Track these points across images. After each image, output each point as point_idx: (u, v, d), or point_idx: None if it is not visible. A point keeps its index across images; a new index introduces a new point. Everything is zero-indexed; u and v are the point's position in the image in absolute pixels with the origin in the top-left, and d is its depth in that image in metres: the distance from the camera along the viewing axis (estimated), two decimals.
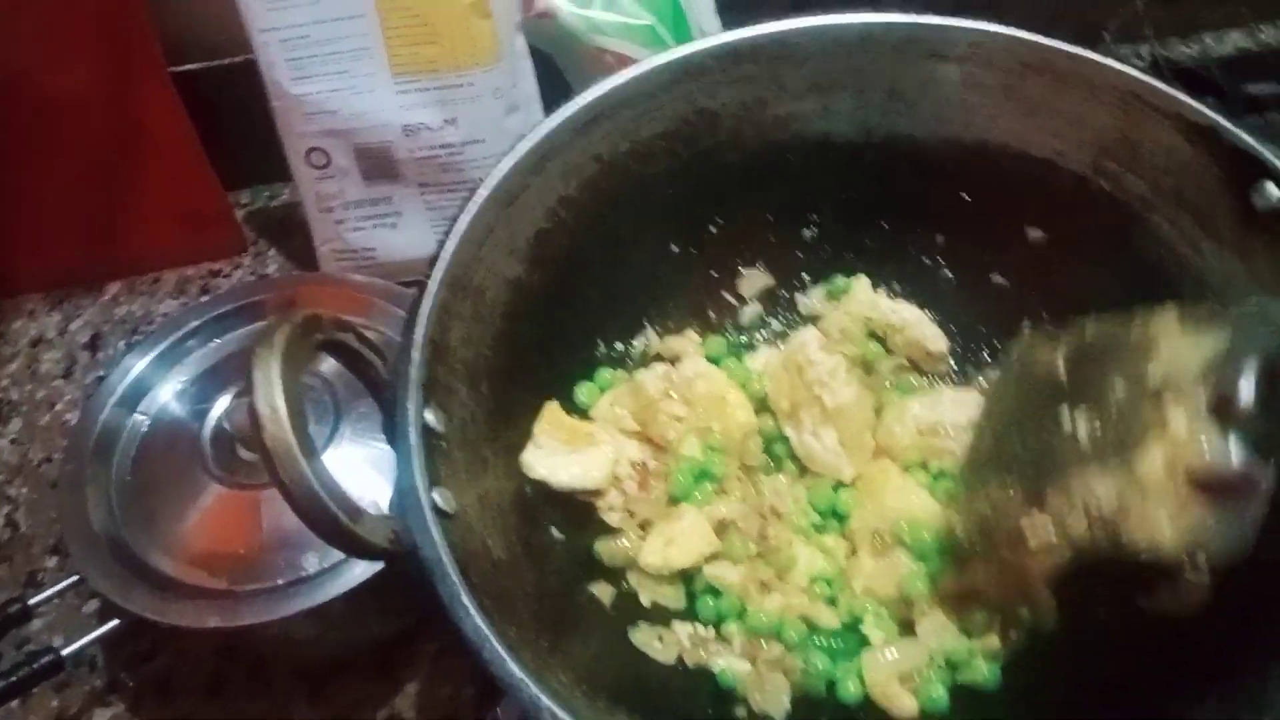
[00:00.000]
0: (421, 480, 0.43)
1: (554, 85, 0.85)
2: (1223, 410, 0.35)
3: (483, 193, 0.52)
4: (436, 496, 0.43)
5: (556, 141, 0.55)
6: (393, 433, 0.44)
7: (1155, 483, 0.37)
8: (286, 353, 0.38)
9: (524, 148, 0.54)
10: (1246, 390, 0.34)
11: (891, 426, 0.58)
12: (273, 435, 0.36)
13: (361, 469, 0.64)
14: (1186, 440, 0.35)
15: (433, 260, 0.49)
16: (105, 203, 0.90)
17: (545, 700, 0.38)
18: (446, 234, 0.50)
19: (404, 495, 0.42)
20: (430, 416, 0.46)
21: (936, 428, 0.58)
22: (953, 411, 0.58)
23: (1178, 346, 0.38)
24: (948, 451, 0.57)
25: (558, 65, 0.89)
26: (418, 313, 0.47)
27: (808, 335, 0.59)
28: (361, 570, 0.60)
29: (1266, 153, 0.50)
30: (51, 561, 0.78)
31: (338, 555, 0.62)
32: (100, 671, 0.72)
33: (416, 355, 0.46)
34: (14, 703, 0.70)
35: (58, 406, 0.86)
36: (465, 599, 0.40)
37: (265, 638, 0.68)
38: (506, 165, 0.53)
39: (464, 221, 0.51)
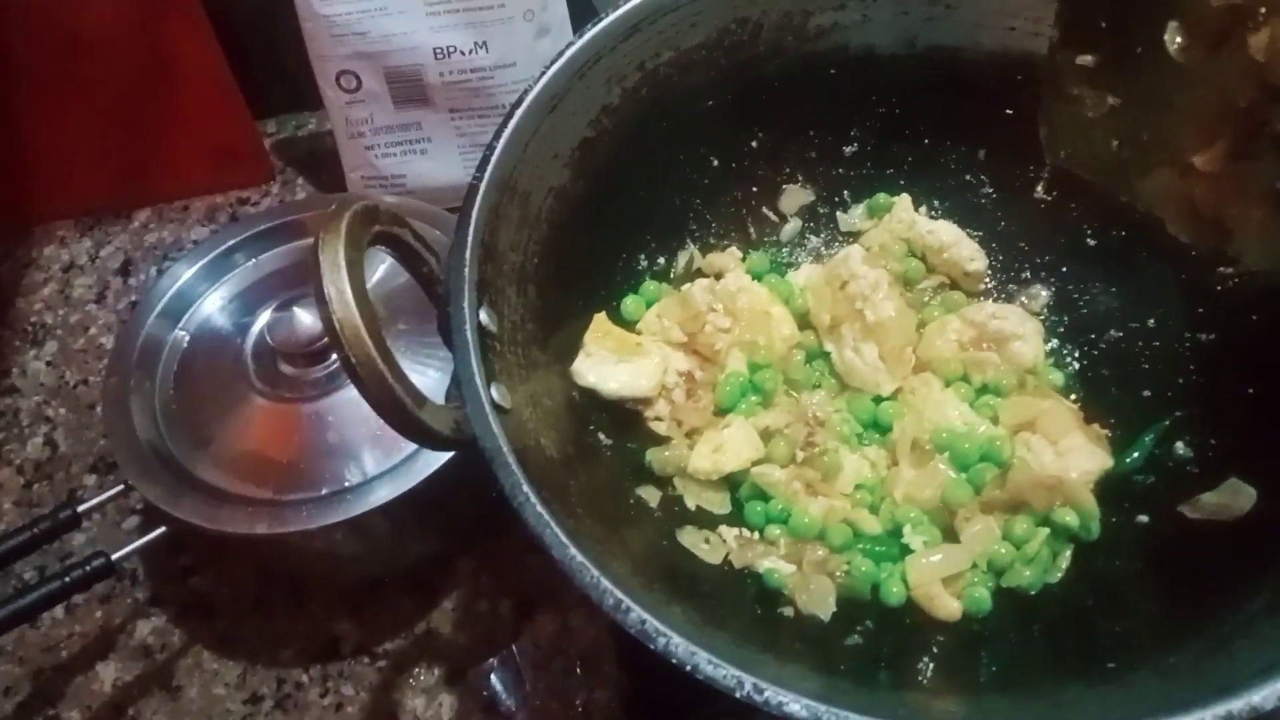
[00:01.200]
0: (480, 373, 0.43)
1: (581, 11, 0.85)
2: None
3: (530, 95, 0.52)
4: (494, 391, 0.44)
5: (600, 47, 0.55)
6: (448, 329, 0.44)
7: None
8: (349, 239, 0.38)
9: (570, 52, 0.53)
10: None
11: (933, 340, 0.58)
12: (341, 318, 0.36)
13: None
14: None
15: (482, 161, 0.49)
16: (135, 133, 0.90)
17: (606, 582, 0.38)
18: (496, 135, 0.50)
19: (464, 387, 0.42)
20: (484, 315, 0.46)
21: (978, 341, 0.58)
22: (994, 325, 0.58)
23: None
24: (990, 364, 0.57)
25: None
26: (470, 212, 0.47)
27: (851, 250, 0.59)
28: (401, 483, 0.61)
29: None
30: (90, 479, 0.79)
31: (376, 469, 0.63)
32: (143, 585, 0.73)
33: (469, 254, 0.47)
34: (60, 614, 0.72)
35: (91, 330, 0.87)
36: (526, 487, 0.40)
37: (307, 555, 0.69)
38: (554, 68, 0.53)
39: (511, 124, 0.51)
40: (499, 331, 0.48)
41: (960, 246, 0.62)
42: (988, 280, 0.63)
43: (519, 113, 0.51)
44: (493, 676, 0.67)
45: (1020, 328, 0.58)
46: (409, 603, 0.71)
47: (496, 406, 0.43)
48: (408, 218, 0.71)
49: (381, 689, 0.68)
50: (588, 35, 0.54)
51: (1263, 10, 0.40)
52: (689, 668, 0.36)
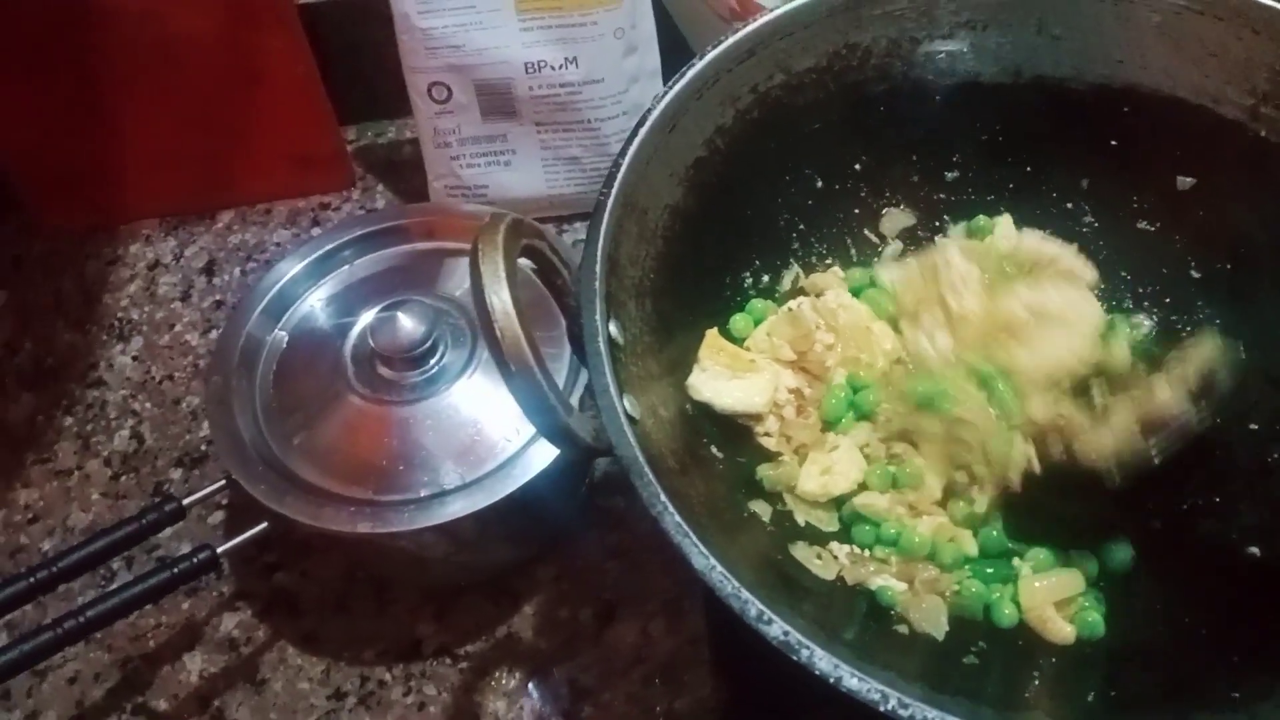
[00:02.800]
0: (614, 386, 0.44)
1: (663, 32, 0.86)
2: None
3: (654, 114, 0.53)
4: (626, 402, 0.45)
5: (719, 68, 0.56)
6: (580, 341, 0.45)
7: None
8: (506, 250, 0.39)
9: (690, 73, 0.55)
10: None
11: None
12: (503, 327, 0.38)
13: (497, 395, 0.65)
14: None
15: (609, 177, 0.50)
16: (222, 137, 0.92)
17: (747, 593, 0.39)
18: (621, 153, 0.51)
19: (599, 397, 0.43)
20: (613, 328, 0.47)
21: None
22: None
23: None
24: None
25: (669, 10, 0.89)
26: (600, 226, 0.48)
27: (949, 242, 0.60)
28: (495, 490, 0.62)
29: None
30: (177, 474, 0.80)
31: (470, 474, 0.64)
32: (229, 580, 0.75)
33: (598, 268, 0.48)
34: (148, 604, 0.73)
35: (176, 328, 0.89)
36: (664, 496, 0.41)
37: (393, 557, 0.70)
38: (675, 89, 0.54)
39: (636, 141, 0.52)
40: (624, 343, 0.48)
41: (1068, 257, 0.62)
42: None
43: (643, 131, 0.53)
44: (534, 697, 0.67)
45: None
46: (490, 607, 0.72)
47: (629, 417, 0.44)
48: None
49: (463, 690, 0.69)
50: (708, 57, 0.55)
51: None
52: (832, 680, 0.37)
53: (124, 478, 0.81)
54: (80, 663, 0.71)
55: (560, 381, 0.64)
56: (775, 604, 0.43)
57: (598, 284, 0.47)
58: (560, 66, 0.82)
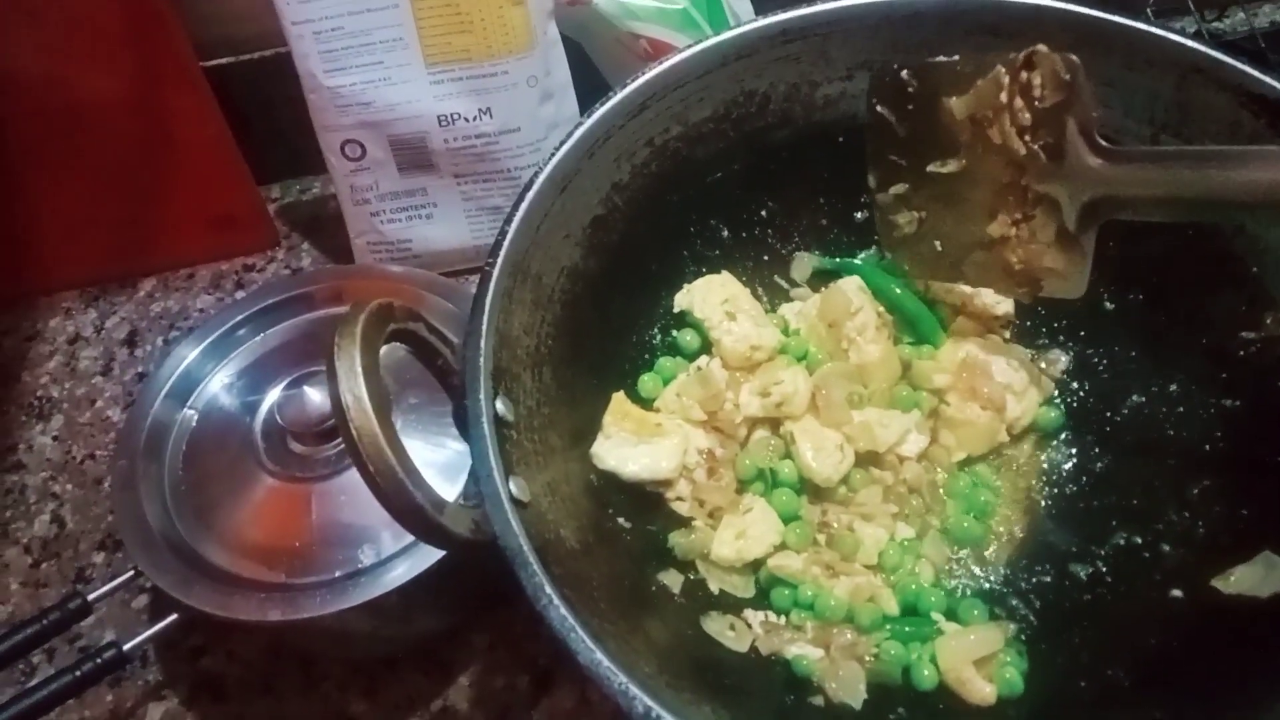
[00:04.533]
0: (498, 469, 0.42)
1: (584, 75, 0.85)
2: None
3: (541, 177, 0.51)
4: (513, 486, 0.43)
5: (609, 125, 0.55)
6: (465, 422, 0.44)
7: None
8: (365, 340, 0.38)
9: (579, 132, 0.53)
10: None
11: (925, 370, 0.59)
12: (359, 425, 0.36)
13: (416, 461, 0.64)
14: None
15: (495, 245, 0.49)
16: (137, 202, 0.90)
17: (635, 689, 0.37)
18: (507, 220, 0.50)
19: (482, 484, 0.42)
20: (500, 405, 0.46)
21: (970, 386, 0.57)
22: (999, 376, 0.57)
23: None
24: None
25: (588, 53, 0.88)
26: (484, 299, 0.47)
27: (845, 282, 0.59)
28: (417, 562, 0.60)
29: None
30: (99, 558, 0.78)
31: (391, 548, 0.62)
32: (153, 668, 0.72)
33: (484, 344, 0.46)
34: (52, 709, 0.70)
35: (98, 403, 0.86)
36: (549, 588, 0.39)
37: (317, 634, 0.68)
38: (563, 149, 0.52)
39: (524, 207, 0.50)
40: (515, 419, 0.47)
41: (985, 293, 0.61)
42: (1007, 336, 0.63)
43: (530, 195, 0.51)
44: None
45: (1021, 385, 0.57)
46: (423, 679, 0.70)
47: (516, 501, 0.43)
48: (410, 285, 0.73)
49: None
50: (597, 115, 0.54)
51: (989, 112, 0.53)
52: None
53: (44, 565, 0.78)
54: None
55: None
56: (678, 691, 0.42)
57: (483, 361, 0.46)
58: (474, 118, 0.81)
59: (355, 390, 0.36)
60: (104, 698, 0.71)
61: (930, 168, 0.56)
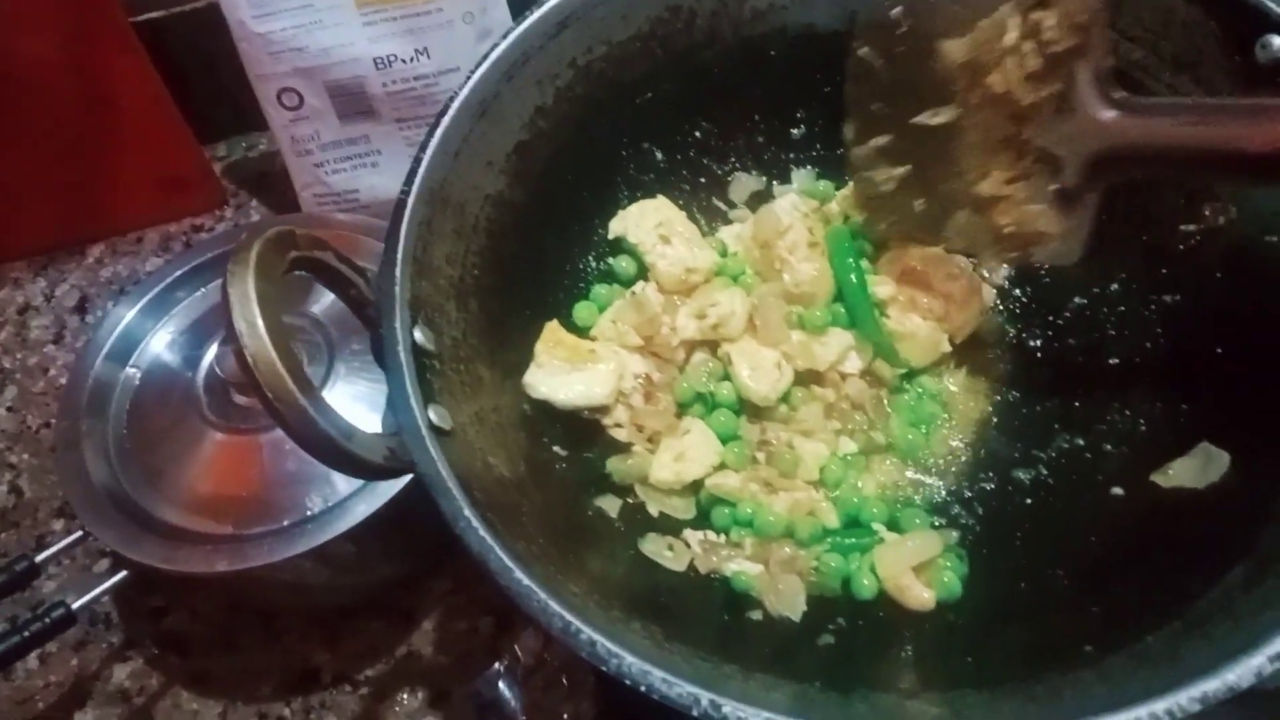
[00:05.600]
0: (415, 397, 0.42)
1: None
2: None
3: (456, 102, 0.50)
4: (432, 414, 0.42)
5: (527, 46, 0.53)
6: (381, 351, 0.43)
7: None
8: (260, 267, 0.37)
9: (495, 54, 0.52)
10: None
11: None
12: (254, 351, 0.35)
13: (357, 407, 0.63)
14: None
15: (410, 173, 0.48)
16: (80, 167, 0.88)
17: (555, 606, 0.37)
18: (422, 147, 0.49)
19: (399, 412, 0.41)
20: (419, 334, 0.44)
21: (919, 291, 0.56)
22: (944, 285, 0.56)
23: None
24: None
25: None
26: (399, 228, 0.46)
27: (779, 203, 0.58)
28: (365, 508, 0.60)
29: (1270, 3, 0.47)
30: (58, 524, 0.77)
31: (339, 495, 0.61)
32: (117, 629, 0.72)
33: (399, 272, 0.45)
34: (35, 664, 0.71)
35: (51, 372, 0.85)
36: (468, 512, 0.39)
37: (276, 587, 0.68)
38: (479, 72, 0.51)
39: (439, 133, 0.49)
40: (438, 349, 0.46)
41: None
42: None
43: (445, 121, 0.50)
44: (500, 683, 0.65)
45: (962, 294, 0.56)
46: (385, 627, 0.70)
47: (435, 428, 0.42)
48: (354, 233, 0.72)
49: (365, 717, 0.67)
50: (513, 35, 0.53)
51: (991, 57, 0.47)
52: (643, 687, 0.35)
53: (3, 534, 0.78)
54: None
55: None
56: (608, 610, 0.41)
57: (399, 289, 0.44)
58: (411, 59, 0.79)
59: (248, 316, 0.35)
60: (68, 661, 0.71)
61: (917, 119, 0.51)
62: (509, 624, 0.69)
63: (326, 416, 0.37)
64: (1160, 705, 0.33)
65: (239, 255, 0.37)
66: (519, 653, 0.66)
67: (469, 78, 0.51)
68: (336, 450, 0.37)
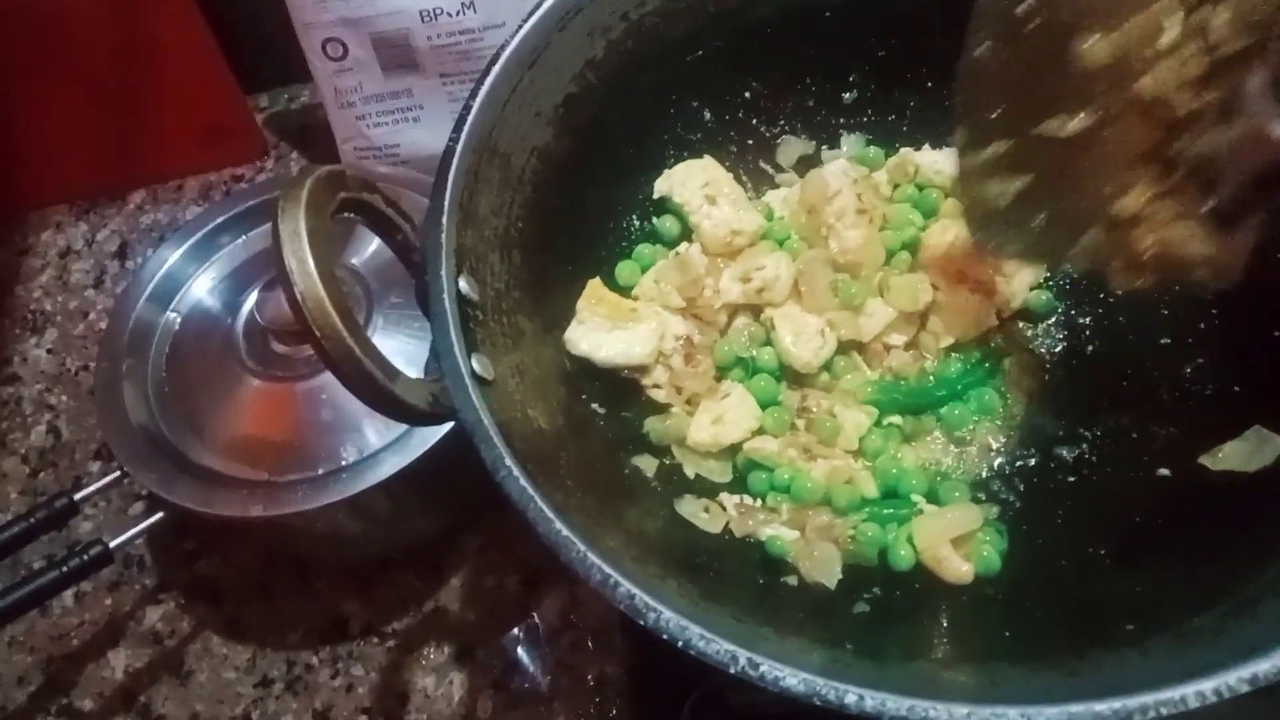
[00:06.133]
0: (459, 344, 0.41)
1: None
2: None
3: (508, 50, 0.49)
4: (475, 362, 0.42)
5: None
6: (426, 298, 0.43)
7: None
8: (310, 205, 0.36)
9: (548, 3, 0.51)
10: None
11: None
12: (303, 289, 0.35)
13: (395, 361, 0.63)
14: None
15: (459, 120, 0.47)
16: (124, 113, 0.89)
17: (593, 557, 0.36)
18: (472, 94, 0.48)
19: (443, 358, 0.41)
20: (463, 283, 0.44)
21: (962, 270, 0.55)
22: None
23: None
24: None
25: None
26: (446, 175, 0.45)
27: (828, 168, 0.57)
28: (399, 460, 0.60)
29: None
30: (95, 466, 0.78)
31: (373, 446, 0.61)
32: (150, 572, 0.73)
33: (445, 220, 0.44)
34: (70, 602, 0.72)
35: (90, 316, 0.86)
36: (509, 460, 0.38)
37: (311, 536, 0.68)
38: (531, 20, 0.50)
39: (489, 80, 0.48)
40: (481, 300, 0.46)
41: None
42: None
43: (495, 69, 0.49)
44: (519, 649, 0.66)
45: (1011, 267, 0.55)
46: (416, 581, 0.70)
47: (478, 378, 0.42)
48: (395, 185, 0.71)
49: (391, 669, 0.67)
50: None
51: (1142, 58, 0.42)
52: (680, 643, 0.35)
53: (41, 474, 0.79)
54: (1, 666, 0.70)
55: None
56: (644, 566, 0.41)
57: (445, 237, 0.44)
58: (457, 12, 0.78)
59: (299, 254, 0.35)
60: (103, 601, 0.72)
61: (1043, 127, 0.44)
62: (537, 583, 0.69)
63: (372, 357, 0.37)
64: (1208, 685, 0.32)
65: (290, 193, 0.37)
66: (537, 619, 0.66)
67: (521, 25, 0.50)
68: (380, 391, 0.37)
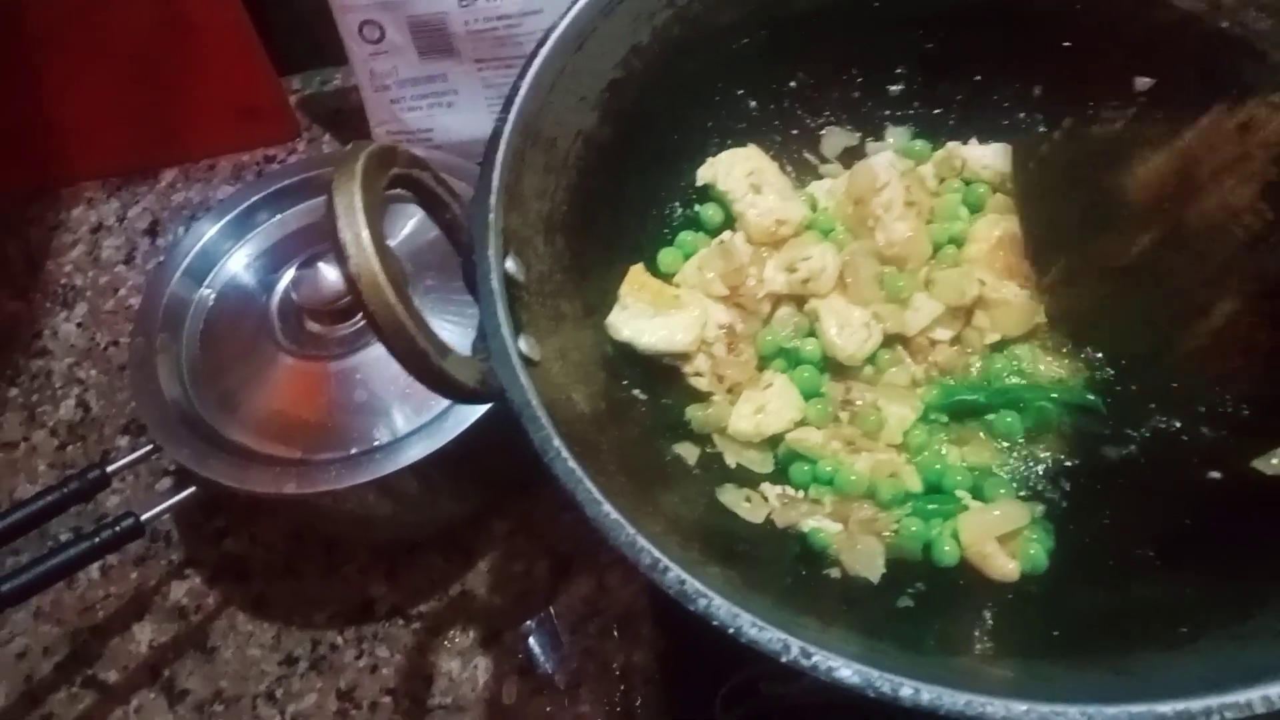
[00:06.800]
0: (507, 325, 0.41)
1: None
2: None
3: (555, 33, 0.49)
4: (522, 343, 0.42)
5: None
6: (474, 277, 0.42)
7: None
8: (365, 180, 0.36)
9: None
10: None
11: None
12: (357, 263, 0.34)
13: None
14: None
15: (506, 103, 0.47)
16: (158, 92, 0.89)
17: (643, 541, 0.36)
18: (520, 76, 0.48)
19: (490, 339, 0.40)
20: (511, 264, 0.44)
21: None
22: None
23: None
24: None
25: None
26: (495, 155, 0.45)
27: (876, 159, 0.56)
28: (433, 441, 0.60)
29: None
30: (123, 441, 0.78)
31: (405, 429, 0.61)
32: (177, 547, 0.73)
33: (494, 200, 0.44)
34: (97, 575, 0.72)
35: (121, 292, 0.86)
36: (557, 441, 0.38)
37: (340, 517, 0.68)
38: (578, 4, 0.50)
39: (536, 63, 0.48)
40: (526, 282, 0.45)
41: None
42: None
43: (543, 52, 0.49)
44: (531, 639, 0.66)
45: None
46: (443, 564, 0.70)
47: (525, 358, 0.41)
48: (441, 174, 0.71)
49: (416, 651, 0.67)
50: None
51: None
52: (731, 630, 0.34)
53: (70, 447, 0.79)
54: (28, 637, 0.70)
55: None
56: (688, 552, 0.41)
57: (491, 217, 0.44)
58: None
59: (355, 228, 0.35)
60: (129, 575, 0.72)
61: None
62: (564, 569, 0.69)
63: (425, 333, 0.36)
64: (1274, 690, 0.31)
65: (344, 167, 0.36)
66: (552, 611, 0.66)
67: (569, 9, 0.50)
68: (431, 368, 0.37)
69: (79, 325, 0.85)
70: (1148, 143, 0.43)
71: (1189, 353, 0.46)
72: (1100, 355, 0.53)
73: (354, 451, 0.61)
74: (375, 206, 0.36)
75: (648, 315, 0.51)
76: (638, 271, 0.53)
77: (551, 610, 0.67)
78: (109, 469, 0.61)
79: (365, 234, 0.35)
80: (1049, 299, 0.50)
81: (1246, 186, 0.40)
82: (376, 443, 0.61)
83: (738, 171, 0.56)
